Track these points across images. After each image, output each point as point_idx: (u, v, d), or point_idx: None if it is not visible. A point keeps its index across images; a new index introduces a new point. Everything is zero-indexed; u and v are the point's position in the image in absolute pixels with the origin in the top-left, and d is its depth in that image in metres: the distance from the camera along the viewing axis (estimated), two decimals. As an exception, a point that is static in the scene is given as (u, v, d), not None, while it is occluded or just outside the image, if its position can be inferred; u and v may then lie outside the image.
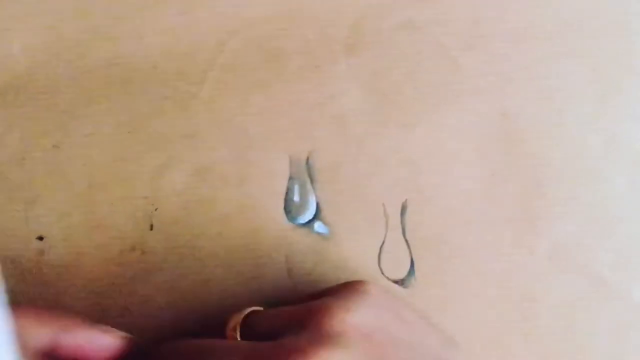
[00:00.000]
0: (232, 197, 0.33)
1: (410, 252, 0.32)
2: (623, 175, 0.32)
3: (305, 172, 0.33)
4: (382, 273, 0.32)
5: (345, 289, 0.27)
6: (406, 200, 0.32)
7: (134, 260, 0.32)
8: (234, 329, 0.27)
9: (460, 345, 0.28)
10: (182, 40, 0.33)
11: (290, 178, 0.33)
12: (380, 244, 0.32)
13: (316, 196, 0.32)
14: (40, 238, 0.32)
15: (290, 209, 0.32)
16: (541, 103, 0.33)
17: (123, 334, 0.28)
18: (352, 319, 0.24)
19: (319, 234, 0.32)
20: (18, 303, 0.31)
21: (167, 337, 0.32)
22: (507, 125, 0.33)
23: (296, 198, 0.32)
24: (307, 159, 0.33)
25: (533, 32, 0.33)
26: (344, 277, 0.32)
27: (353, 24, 0.33)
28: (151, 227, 0.32)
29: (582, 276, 0.33)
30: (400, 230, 0.32)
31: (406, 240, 0.32)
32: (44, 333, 0.27)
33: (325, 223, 0.32)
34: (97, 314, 0.32)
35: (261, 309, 0.28)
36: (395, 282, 0.32)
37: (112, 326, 0.28)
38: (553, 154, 0.32)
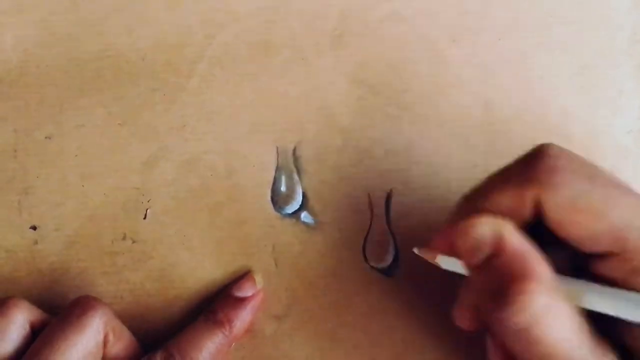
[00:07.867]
0: (220, 187, 0.33)
1: (395, 242, 0.32)
2: (605, 166, 0.33)
3: (292, 163, 0.33)
4: (367, 262, 0.32)
5: None
6: (391, 190, 0.33)
7: (125, 250, 0.33)
8: None
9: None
10: (171, 33, 0.34)
11: (278, 169, 0.33)
12: (366, 233, 0.33)
13: (302, 187, 0.33)
14: (34, 228, 0.33)
15: (277, 200, 0.33)
16: (524, 95, 0.33)
17: None
18: None
19: (305, 223, 0.33)
20: (12, 291, 0.32)
21: (157, 325, 0.33)
22: (491, 117, 0.33)
23: (283, 188, 0.33)
24: (294, 150, 0.33)
25: (517, 25, 0.33)
26: (329, 266, 0.32)
27: (339, 16, 0.34)
28: (145, 217, 0.33)
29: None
30: (385, 220, 0.33)
31: (391, 230, 0.32)
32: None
33: (311, 213, 0.33)
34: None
35: None
36: (380, 270, 0.32)
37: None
38: (536, 145, 0.33)
